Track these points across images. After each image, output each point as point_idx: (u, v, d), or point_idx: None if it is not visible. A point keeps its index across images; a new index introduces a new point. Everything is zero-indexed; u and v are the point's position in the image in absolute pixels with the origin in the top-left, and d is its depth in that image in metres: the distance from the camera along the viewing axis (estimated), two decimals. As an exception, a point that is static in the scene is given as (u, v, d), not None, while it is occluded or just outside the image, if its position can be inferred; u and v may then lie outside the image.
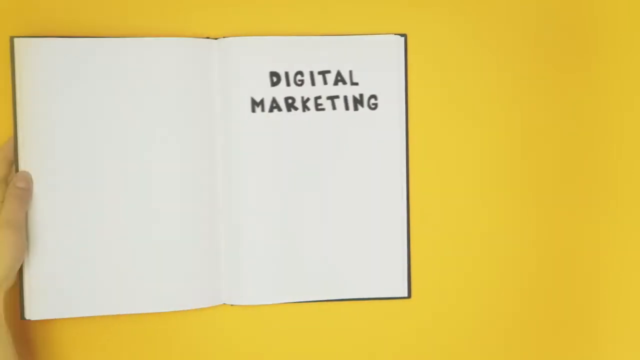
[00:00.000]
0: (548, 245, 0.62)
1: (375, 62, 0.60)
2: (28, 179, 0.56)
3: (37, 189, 0.56)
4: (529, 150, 0.62)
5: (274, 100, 0.58)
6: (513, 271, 0.62)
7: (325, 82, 0.59)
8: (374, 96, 0.60)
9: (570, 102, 0.62)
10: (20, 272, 0.56)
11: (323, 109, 0.59)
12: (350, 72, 0.59)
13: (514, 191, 0.62)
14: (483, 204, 0.62)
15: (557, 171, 0.62)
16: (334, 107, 0.59)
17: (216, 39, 0.58)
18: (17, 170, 0.56)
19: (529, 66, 0.61)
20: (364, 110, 0.60)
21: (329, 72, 0.59)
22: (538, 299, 0.62)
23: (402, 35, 0.60)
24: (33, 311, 0.56)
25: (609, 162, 0.62)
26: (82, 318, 0.58)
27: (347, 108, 0.60)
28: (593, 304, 0.62)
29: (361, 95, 0.60)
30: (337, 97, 0.59)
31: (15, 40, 0.55)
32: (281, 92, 0.58)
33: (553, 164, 0.62)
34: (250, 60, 0.58)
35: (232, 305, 0.59)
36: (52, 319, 0.58)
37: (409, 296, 0.61)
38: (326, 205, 0.60)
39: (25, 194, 0.55)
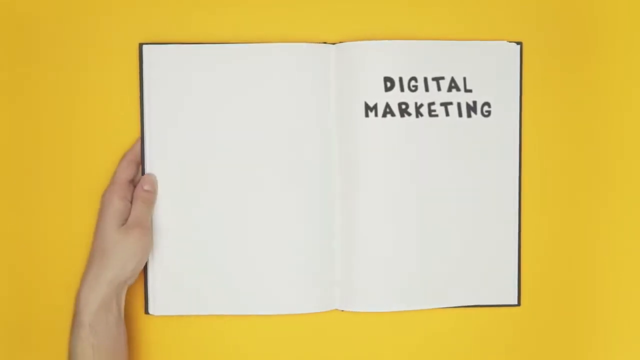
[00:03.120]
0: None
1: (489, 69, 0.60)
2: (154, 182, 0.58)
3: (162, 190, 0.58)
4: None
5: (387, 106, 0.59)
6: (631, 281, 0.62)
7: (439, 89, 0.59)
8: (487, 103, 0.60)
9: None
10: (145, 270, 0.58)
11: (436, 115, 0.59)
12: (464, 78, 0.59)
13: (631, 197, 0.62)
14: (599, 212, 0.61)
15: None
16: (447, 114, 0.60)
17: (334, 44, 0.59)
18: (143, 172, 0.58)
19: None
20: (477, 117, 0.60)
21: (442, 78, 0.59)
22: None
23: (517, 43, 0.60)
24: (157, 307, 0.59)
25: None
26: (200, 316, 0.60)
27: (460, 115, 0.60)
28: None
29: (474, 102, 0.60)
30: (451, 103, 0.59)
31: (144, 47, 0.57)
32: (395, 98, 0.59)
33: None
34: (366, 66, 0.58)
35: (343, 311, 0.60)
36: (172, 316, 0.60)
37: (519, 304, 0.61)
38: (438, 211, 0.60)
39: (151, 197, 0.57)
